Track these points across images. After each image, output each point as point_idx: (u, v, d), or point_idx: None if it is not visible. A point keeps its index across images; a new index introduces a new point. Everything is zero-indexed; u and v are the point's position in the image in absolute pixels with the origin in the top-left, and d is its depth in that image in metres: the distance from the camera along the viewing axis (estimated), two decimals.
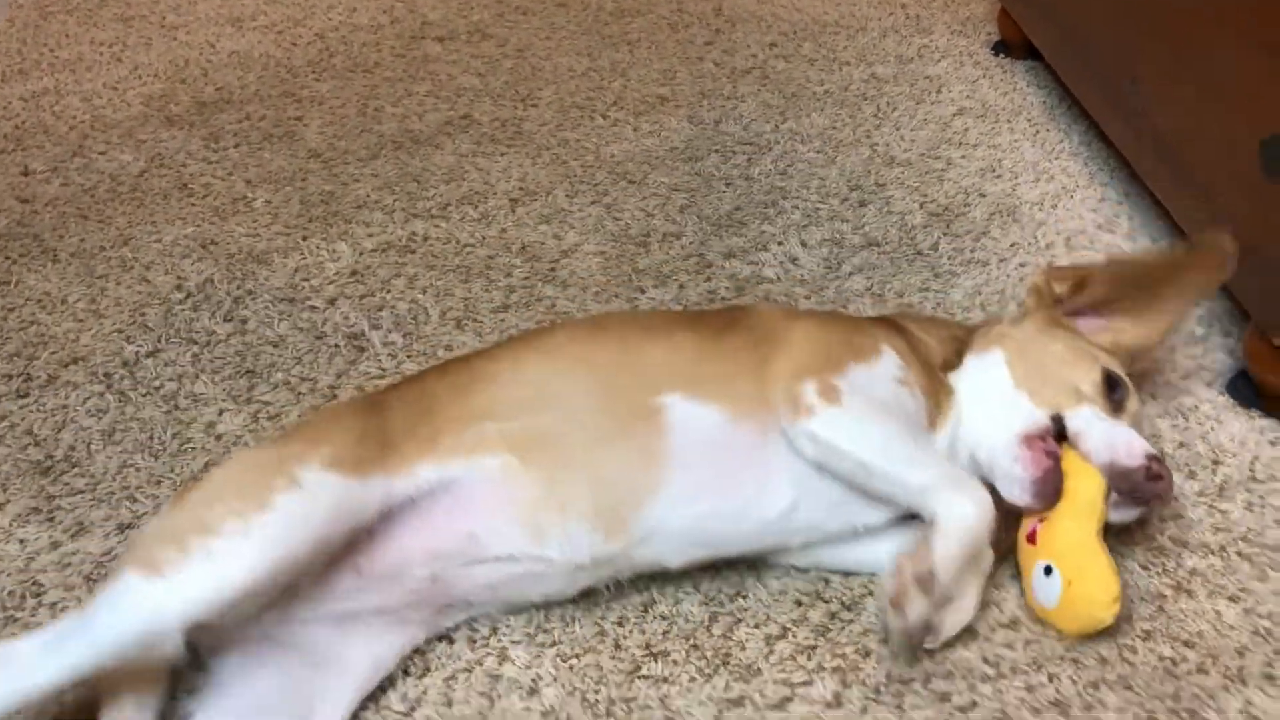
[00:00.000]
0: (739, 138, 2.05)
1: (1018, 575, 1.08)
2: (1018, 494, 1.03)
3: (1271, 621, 1.05)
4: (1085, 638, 1.02)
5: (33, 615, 1.07)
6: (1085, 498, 1.02)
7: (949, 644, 1.02)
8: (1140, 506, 1.05)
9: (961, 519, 0.96)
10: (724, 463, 1.00)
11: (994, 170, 1.90)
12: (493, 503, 0.97)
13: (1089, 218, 1.74)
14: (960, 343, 1.16)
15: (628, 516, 0.99)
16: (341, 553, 0.94)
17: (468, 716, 0.97)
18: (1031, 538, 1.04)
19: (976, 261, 1.64)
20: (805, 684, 0.99)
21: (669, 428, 0.99)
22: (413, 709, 0.97)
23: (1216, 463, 1.25)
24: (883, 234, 1.73)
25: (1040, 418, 1.05)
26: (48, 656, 0.81)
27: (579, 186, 1.89)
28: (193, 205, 1.84)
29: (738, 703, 0.98)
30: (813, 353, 1.04)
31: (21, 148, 2.04)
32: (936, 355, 1.13)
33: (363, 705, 0.96)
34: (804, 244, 1.70)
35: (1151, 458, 1.02)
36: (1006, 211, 1.77)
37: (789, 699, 0.98)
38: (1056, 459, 1.03)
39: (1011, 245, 1.68)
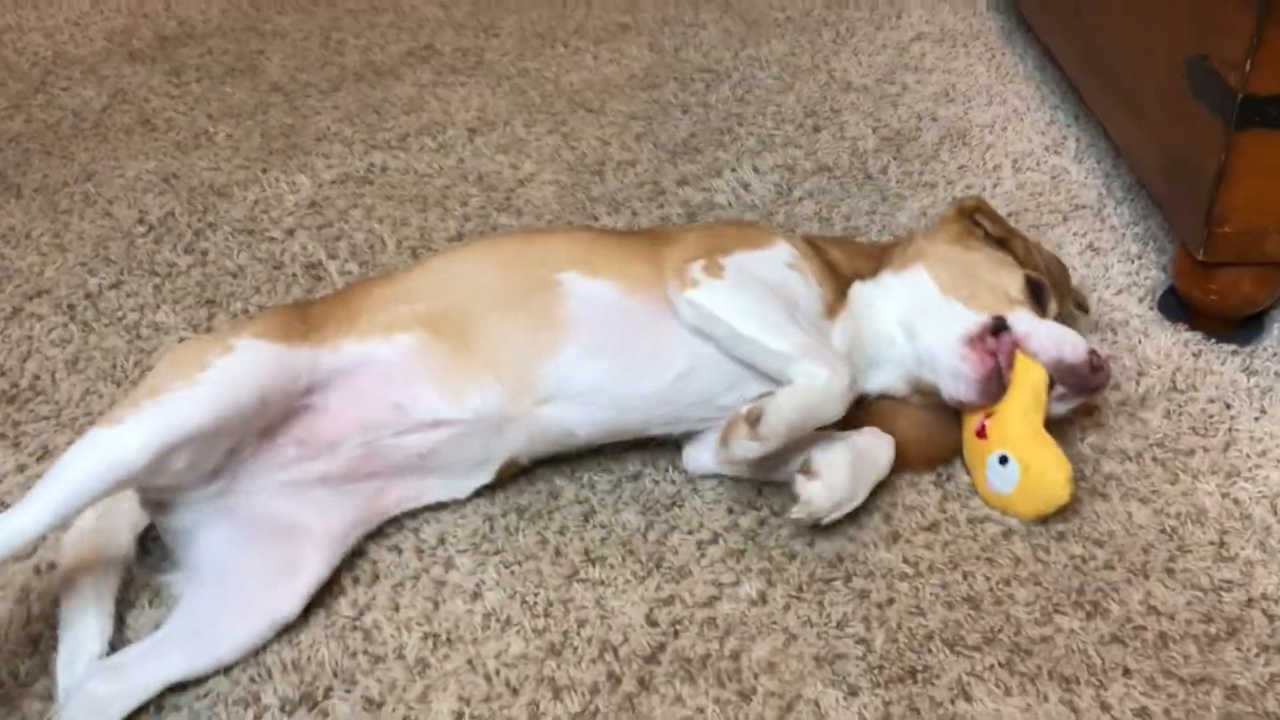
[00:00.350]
0: (698, 65, 2.06)
1: (968, 471, 1.14)
2: (964, 391, 1.10)
3: (1178, 521, 1.10)
4: (1042, 519, 1.09)
5: None
6: (1030, 391, 1.09)
7: (872, 546, 1.08)
8: (1082, 396, 1.12)
9: (810, 379, 1.02)
10: (620, 329, 1.07)
11: (948, 95, 1.92)
12: (412, 373, 1.05)
13: (1037, 140, 1.77)
14: (874, 260, 1.21)
15: (532, 374, 1.06)
16: (281, 424, 1.02)
17: (413, 619, 1.02)
18: (981, 433, 1.11)
19: (925, 184, 1.67)
20: (733, 584, 1.05)
21: (567, 297, 1.07)
22: (361, 613, 1.03)
23: (1141, 374, 1.29)
24: (835, 159, 1.75)
25: (980, 320, 1.11)
26: (31, 506, 0.88)
27: (537, 116, 1.91)
28: (155, 140, 1.86)
29: (668, 602, 1.03)
30: (703, 241, 1.13)
31: None
32: (843, 267, 1.19)
33: (313, 609, 1.02)
34: (757, 170, 1.73)
35: (1092, 352, 1.10)
36: (957, 135, 1.80)
37: (716, 598, 1.03)
38: (996, 358, 1.09)
39: (960, 168, 1.71)
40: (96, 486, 0.89)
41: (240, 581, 0.98)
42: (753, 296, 1.07)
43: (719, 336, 1.07)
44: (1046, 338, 1.10)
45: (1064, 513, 1.09)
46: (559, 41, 2.17)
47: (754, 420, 0.99)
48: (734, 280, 1.07)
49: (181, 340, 1.09)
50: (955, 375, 1.10)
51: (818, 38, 2.14)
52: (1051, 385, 1.10)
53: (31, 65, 2.11)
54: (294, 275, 1.51)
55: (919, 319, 1.13)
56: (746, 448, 1.00)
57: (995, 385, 1.09)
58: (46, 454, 1.22)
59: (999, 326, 1.11)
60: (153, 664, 0.93)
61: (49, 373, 1.35)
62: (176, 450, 0.92)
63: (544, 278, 1.08)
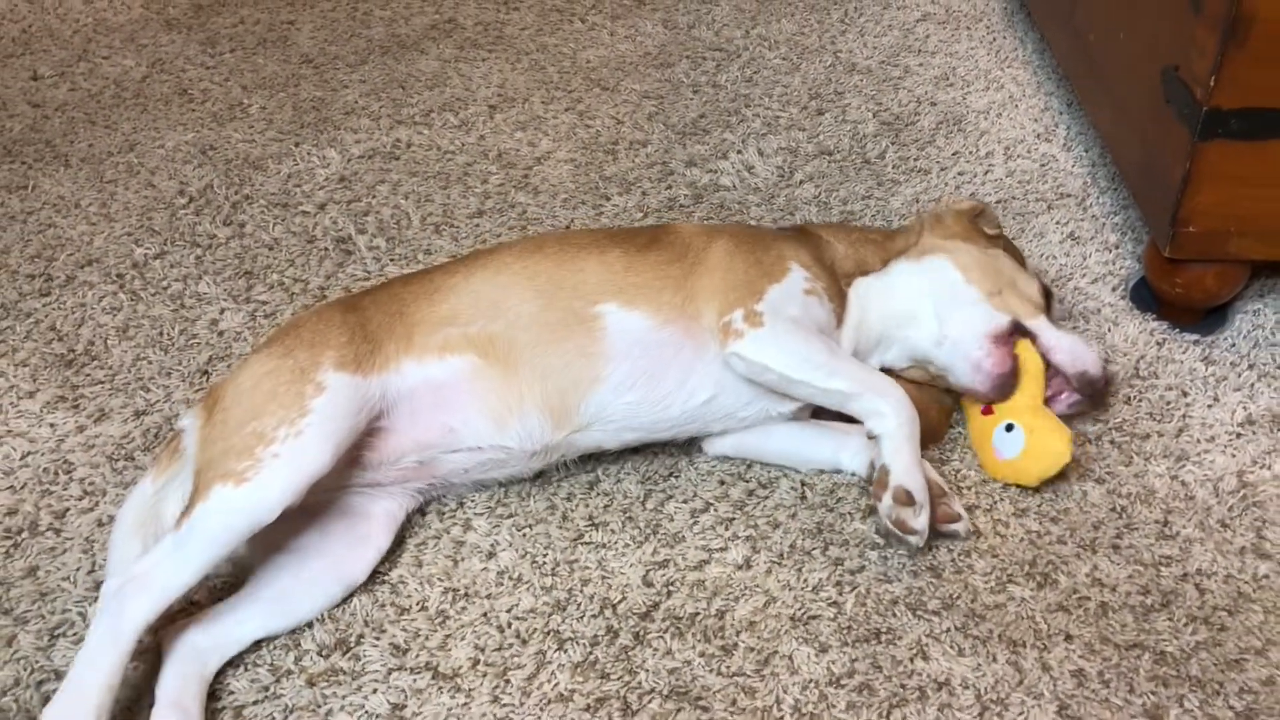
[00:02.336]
0: (710, 43, 2.15)
1: (974, 452, 1.27)
2: (980, 383, 1.21)
3: (1128, 500, 1.21)
4: (1046, 480, 1.21)
5: (65, 489, 1.25)
6: (1032, 369, 1.22)
7: (848, 518, 1.20)
8: (1091, 403, 1.26)
9: (896, 429, 1.13)
10: (653, 359, 1.17)
11: (948, 79, 2.00)
12: (464, 397, 1.15)
13: (1030, 127, 1.86)
14: (880, 248, 1.31)
15: (574, 407, 1.16)
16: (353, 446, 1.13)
17: (435, 575, 1.15)
18: (987, 410, 1.24)
19: (919, 170, 1.77)
20: (721, 550, 1.17)
21: (605, 331, 1.16)
22: (389, 570, 1.15)
23: (1107, 361, 1.40)
24: (835, 143, 1.85)
25: (1004, 321, 1.22)
26: (179, 565, 0.99)
27: (555, 93, 2.00)
28: (193, 111, 1.96)
29: (663, 564, 1.15)
30: (733, 282, 1.19)
31: (29, 51, 2.15)
32: (846, 260, 1.29)
33: None
34: (761, 153, 1.82)
35: (1106, 364, 1.23)
36: (953, 120, 1.88)
37: (706, 561, 1.16)
38: (1016, 358, 1.21)
39: (954, 154, 1.80)
40: (235, 541, 1.02)
41: (318, 556, 1.11)
42: (794, 340, 1.16)
43: (771, 382, 1.17)
44: (1069, 352, 1.22)
45: (1063, 474, 1.20)
46: (577, 16, 2.25)
47: (907, 500, 1.09)
48: (772, 327, 1.15)
49: (252, 358, 1.12)
50: (975, 368, 1.21)
51: (826, 17, 2.22)
52: (1047, 366, 1.22)
53: (73, 33, 2.21)
54: (325, 249, 1.62)
55: (947, 306, 1.23)
56: (921, 515, 1.10)
57: (1010, 383, 1.21)
58: (103, 415, 1.35)
59: (1020, 330, 1.22)
60: (244, 622, 1.06)
61: (102, 339, 1.47)
62: (299, 498, 1.04)
63: (582, 311, 1.16)
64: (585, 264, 1.19)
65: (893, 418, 1.14)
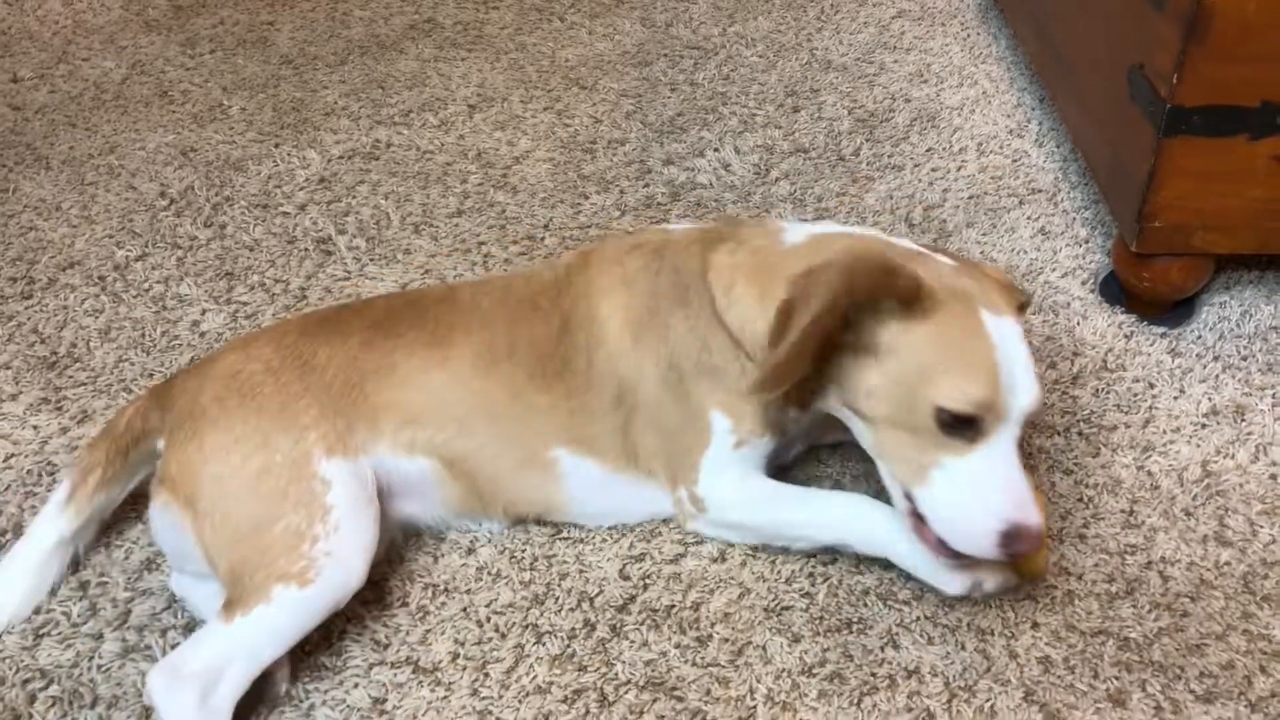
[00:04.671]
0: (688, 41, 2.17)
1: None
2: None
3: (1095, 491, 1.24)
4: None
5: (48, 491, 1.26)
6: None
7: None
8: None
9: (895, 544, 1.11)
10: (614, 493, 1.19)
11: (922, 75, 2.02)
12: (432, 495, 1.18)
13: (1002, 123, 1.88)
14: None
15: (540, 516, 1.22)
16: None
17: (415, 571, 1.17)
18: None
19: (893, 167, 1.79)
20: (697, 543, 1.19)
21: (563, 474, 1.17)
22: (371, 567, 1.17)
23: (1076, 354, 1.42)
24: (811, 140, 1.87)
25: (905, 504, 1.09)
26: (251, 662, 1.00)
27: (533, 92, 2.02)
28: (173, 112, 1.97)
29: (639, 559, 1.17)
30: (668, 449, 1.15)
31: (9, 54, 2.16)
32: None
33: None
34: (738, 150, 1.84)
35: (1006, 529, 1.00)
36: (927, 117, 1.91)
37: (682, 555, 1.18)
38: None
39: (927, 150, 1.83)
40: (305, 633, 1.04)
41: None
42: (745, 514, 1.15)
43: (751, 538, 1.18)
44: (948, 526, 1.03)
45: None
46: (555, 15, 2.26)
47: (975, 587, 1.08)
48: (718, 508, 1.15)
49: (218, 439, 1.06)
50: (917, 537, 1.08)
51: (803, 14, 2.24)
52: None
53: (53, 35, 2.21)
54: (306, 250, 1.63)
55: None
56: (990, 584, 1.09)
57: (955, 556, 1.05)
58: (86, 417, 1.36)
59: (918, 516, 1.06)
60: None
61: (84, 341, 1.48)
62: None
63: (540, 453, 1.16)
64: (535, 402, 1.16)
65: (885, 535, 1.11)
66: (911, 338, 1.02)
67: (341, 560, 1.04)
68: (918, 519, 1.06)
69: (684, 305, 1.14)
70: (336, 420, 1.11)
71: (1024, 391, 1.02)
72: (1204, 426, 1.32)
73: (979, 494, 1.01)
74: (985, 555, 1.02)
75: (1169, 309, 1.48)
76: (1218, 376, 1.38)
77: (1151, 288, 1.44)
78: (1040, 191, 1.72)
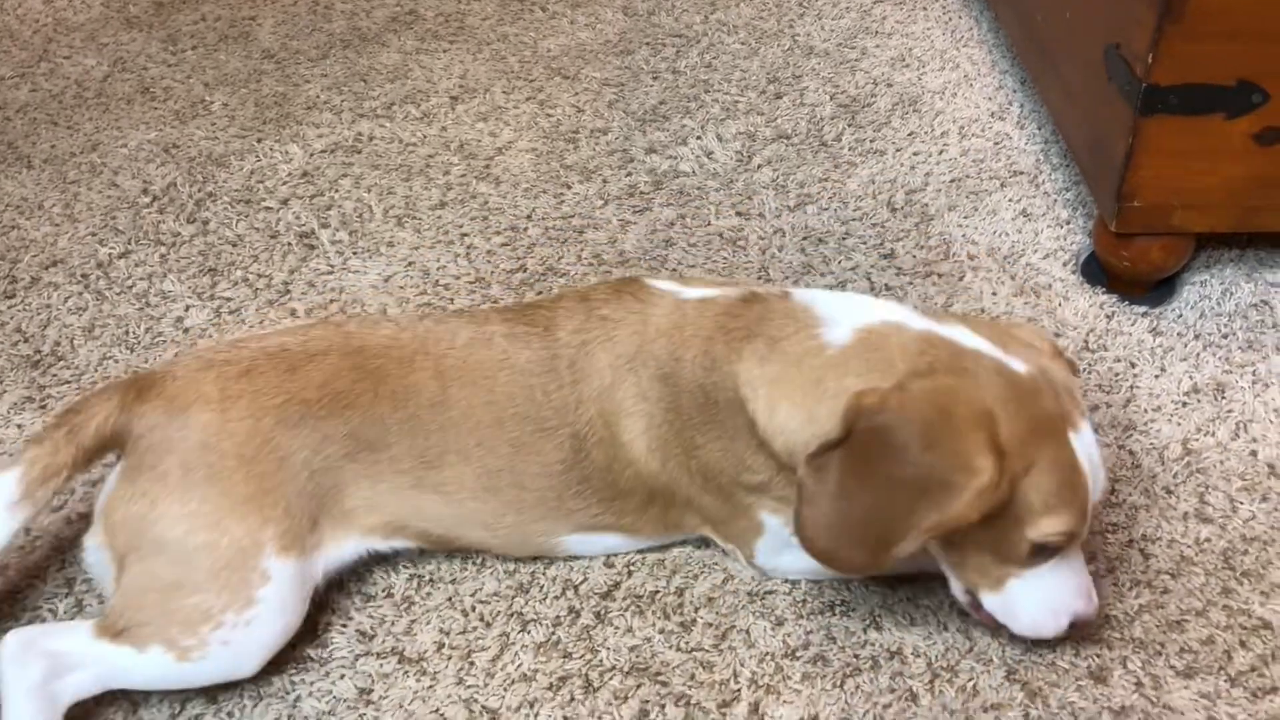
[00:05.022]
0: (670, 29, 2.16)
1: None
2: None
3: None
4: None
5: None
6: None
7: None
8: None
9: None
10: (624, 546, 1.17)
11: (904, 60, 2.02)
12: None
13: (984, 105, 1.88)
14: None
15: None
16: None
17: (400, 562, 1.17)
18: None
19: (874, 151, 1.79)
20: None
21: (574, 548, 1.15)
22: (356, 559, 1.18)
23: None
24: (793, 126, 1.87)
25: (964, 595, 1.07)
26: (103, 677, 0.99)
27: (516, 83, 2.02)
28: (155, 109, 1.97)
29: None
30: (720, 528, 1.12)
31: None
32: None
33: None
34: (720, 138, 1.85)
35: (1074, 622, 1.02)
36: (909, 101, 1.91)
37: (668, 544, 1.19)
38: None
39: (909, 134, 1.83)
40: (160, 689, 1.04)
41: None
42: (813, 569, 1.09)
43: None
44: (1019, 624, 1.03)
45: None
46: (537, 5, 2.26)
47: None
48: (778, 567, 1.12)
49: (172, 503, 1.01)
50: (966, 607, 1.08)
51: (784, 0, 2.24)
52: None
53: (34, 33, 2.21)
54: (289, 244, 1.63)
55: None
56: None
57: (1002, 627, 1.05)
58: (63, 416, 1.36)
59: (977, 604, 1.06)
60: None
61: (68, 339, 1.48)
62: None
63: (545, 543, 1.13)
64: (543, 514, 1.11)
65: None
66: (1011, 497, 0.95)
67: (235, 654, 1.01)
68: (974, 603, 1.05)
69: (713, 425, 1.05)
70: (301, 519, 1.04)
71: (1099, 493, 1.00)
72: (1185, 405, 1.32)
73: (1052, 599, 1.01)
74: (1050, 638, 1.04)
75: (1150, 288, 1.48)
76: (1198, 355, 1.39)
77: (1132, 267, 1.44)
78: (1022, 174, 1.72)
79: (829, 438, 0.95)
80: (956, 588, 1.06)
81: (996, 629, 1.06)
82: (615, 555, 1.17)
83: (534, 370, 1.09)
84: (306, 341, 1.11)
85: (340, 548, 1.08)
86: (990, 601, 1.03)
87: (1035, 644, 1.07)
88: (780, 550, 1.10)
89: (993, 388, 0.95)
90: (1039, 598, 1.00)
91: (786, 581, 1.14)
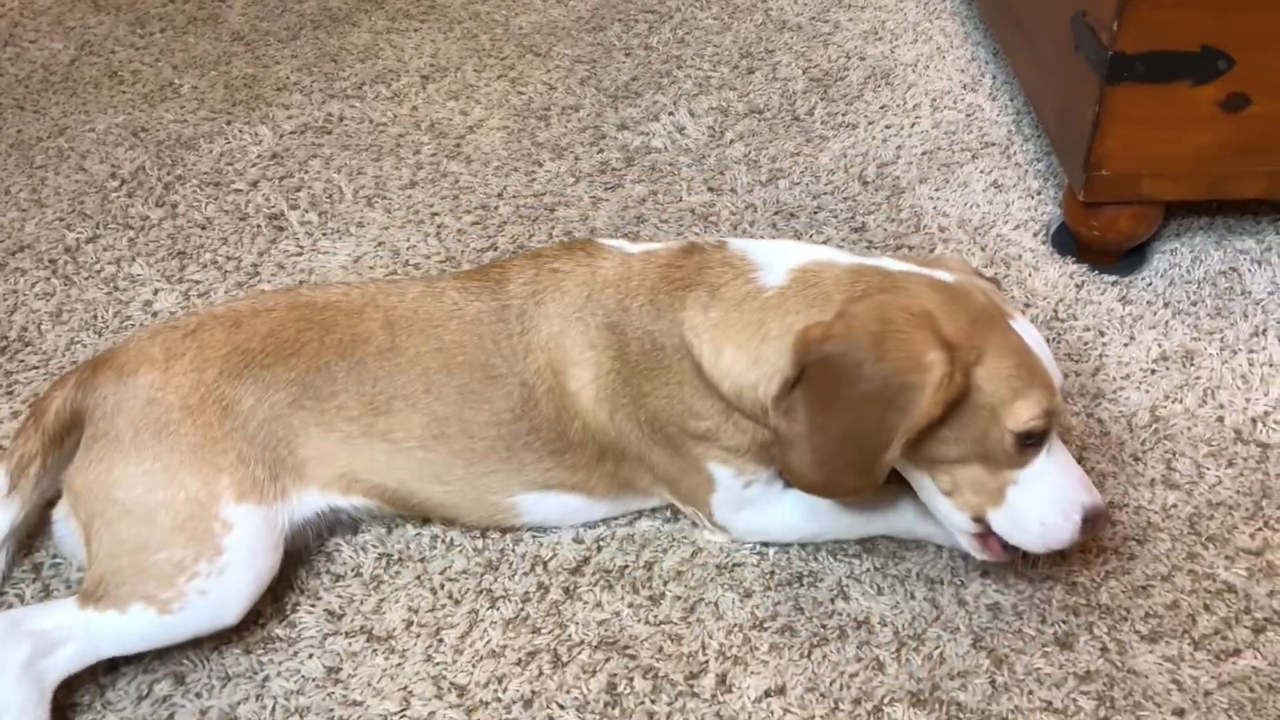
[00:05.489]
0: (642, 5, 2.15)
1: None
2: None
3: None
4: None
5: None
6: None
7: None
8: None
9: (924, 529, 1.12)
10: (592, 512, 1.16)
11: (877, 32, 2.02)
12: (371, 516, 1.16)
13: (956, 78, 1.88)
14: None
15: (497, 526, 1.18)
16: None
17: (369, 542, 1.17)
18: None
19: (847, 125, 1.79)
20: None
21: (524, 511, 1.14)
22: (324, 539, 1.18)
23: (1027, 305, 1.43)
24: (765, 101, 1.86)
25: (973, 527, 1.06)
26: (89, 649, 1.00)
27: (487, 61, 2.01)
28: (123, 93, 1.96)
29: (594, 523, 1.18)
30: (674, 488, 1.13)
31: None
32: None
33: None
34: (692, 113, 1.84)
35: (1087, 514, 1.02)
36: (881, 74, 1.90)
37: (636, 517, 1.18)
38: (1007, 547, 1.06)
39: (881, 108, 1.82)
40: (146, 650, 1.04)
41: None
42: (773, 529, 1.13)
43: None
44: (1032, 535, 1.02)
45: None
46: None
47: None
48: (742, 527, 1.12)
49: (124, 461, 1.02)
50: (977, 550, 1.08)
51: None
52: None
53: None
54: (258, 226, 1.62)
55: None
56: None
57: (1016, 553, 1.06)
58: (32, 404, 1.35)
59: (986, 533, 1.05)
60: None
61: (35, 325, 1.47)
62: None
63: (500, 502, 1.13)
64: (495, 468, 1.11)
65: (917, 522, 1.12)
66: (971, 387, 0.97)
67: (215, 601, 1.02)
68: (982, 537, 1.05)
69: (660, 371, 1.06)
70: (256, 467, 1.05)
71: (1055, 376, 1.01)
72: (1153, 372, 1.33)
73: (1055, 495, 1.01)
74: (1067, 546, 1.02)
75: (1120, 257, 1.48)
76: (1167, 323, 1.39)
77: (1101, 237, 1.44)
78: (993, 145, 1.72)
79: (785, 376, 0.98)
80: (959, 529, 1.05)
81: (1011, 557, 1.05)
82: (583, 530, 1.17)
83: (484, 319, 1.11)
84: (255, 302, 1.13)
85: (302, 501, 1.09)
86: (997, 520, 1.02)
87: (997, 609, 1.07)
88: (738, 506, 1.11)
89: (926, 294, 0.99)
90: (1043, 497, 1.01)
91: (755, 553, 1.14)
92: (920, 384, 0.94)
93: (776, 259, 1.06)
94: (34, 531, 1.17)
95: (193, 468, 1.03)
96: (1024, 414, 0.97)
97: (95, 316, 1.48)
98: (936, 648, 1.05)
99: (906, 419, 0.94)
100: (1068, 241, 1.51)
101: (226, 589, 1.02)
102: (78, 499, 1.04)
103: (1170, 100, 1.32)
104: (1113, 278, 1.47)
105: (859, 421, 0.96)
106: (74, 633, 0.99)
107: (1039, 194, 1.61)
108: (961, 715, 1.00)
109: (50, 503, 1.14)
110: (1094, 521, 1.01)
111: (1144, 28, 1.28)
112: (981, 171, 1.66)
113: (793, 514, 1.13)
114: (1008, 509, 1.02)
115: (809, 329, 0.98)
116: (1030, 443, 0.99)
